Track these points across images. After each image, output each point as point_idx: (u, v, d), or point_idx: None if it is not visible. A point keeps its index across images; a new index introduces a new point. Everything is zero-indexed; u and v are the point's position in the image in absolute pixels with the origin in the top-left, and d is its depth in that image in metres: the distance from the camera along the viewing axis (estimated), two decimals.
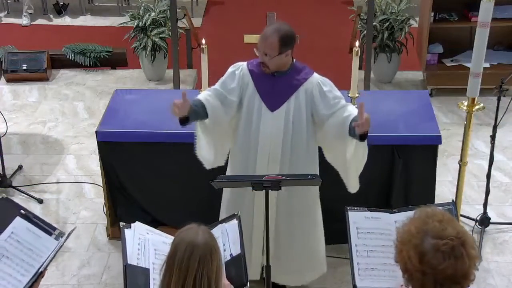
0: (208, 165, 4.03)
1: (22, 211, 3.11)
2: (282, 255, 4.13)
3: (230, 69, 3.96)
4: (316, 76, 3.90)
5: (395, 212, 3.19)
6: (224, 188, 4.16)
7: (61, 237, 3.13)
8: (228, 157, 4.11)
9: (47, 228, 3.12)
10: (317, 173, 4.01)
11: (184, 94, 3.71)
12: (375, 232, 3.16)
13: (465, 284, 2.30)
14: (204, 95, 3.89)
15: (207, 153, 3.97)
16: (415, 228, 2.31)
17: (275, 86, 3.86)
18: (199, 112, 3.81)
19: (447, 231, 2.28)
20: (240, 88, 3.90)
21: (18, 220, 3.08)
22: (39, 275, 3.00)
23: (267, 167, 3.91)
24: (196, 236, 2.59)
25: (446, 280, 2.27)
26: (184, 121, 3.78)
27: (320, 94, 3.85)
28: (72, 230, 3.24)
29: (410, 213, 3.07)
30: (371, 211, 3.19)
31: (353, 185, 3.99)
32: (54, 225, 3.23)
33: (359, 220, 3.18)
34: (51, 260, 3.04)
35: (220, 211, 4.24)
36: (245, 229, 3.95)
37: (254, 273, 4.10)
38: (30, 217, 3.11)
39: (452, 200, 3.25)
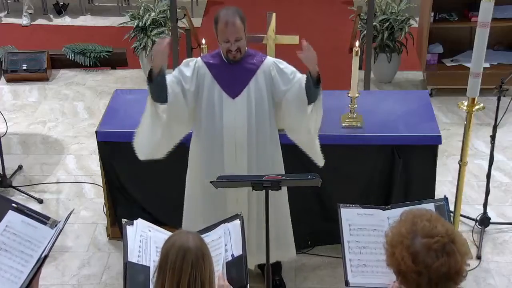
0: (142, 155, 4.00)
1: (13, 204, 3.11)
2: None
3: (184, 61, 3.97)
4: (270, 58, 3.96)
5: (388, 209, 3.20)
6: (186, 196, 4.18)
7: (56, 225, 3.13)
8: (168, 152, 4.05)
9: (41, 218, 3.12)
10: (281, 157, 4.08)
11: (167, 41, 3.73)
12: (368, 228, 3.17)
13: (459, 280, 2.32)
14: (168, 79, 3.86)
15: (147, 142, 3.93)
16: (405, 230, 2.33)
17: (232, 73, 3.89)
18: (163, 87, 3.80)
19: (436, 229, 2.30)
20: (196, 79, 3.90)
21: (11, 214, 3.08)
22: (43, 261, 3.00)
23: (235, 154, 3.92)
24: (187, 240, 2.56)
25: (441, 278, 2.28)
26: (152, 77, 3.76)
27: (278, 72, 3.90)
28: (70, 213, 3.25)
29: (402, 210, 3.09)
30: (363, 208, 3.21)
31: (319, 158, 4.00)
32: None
33: (351, 217, 3.19)
34: (53, 245, 3.04)
35: (183, 217, 4.24)
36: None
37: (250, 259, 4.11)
38: (23, 210, 3.11)
39: (444, 196, 3.26)
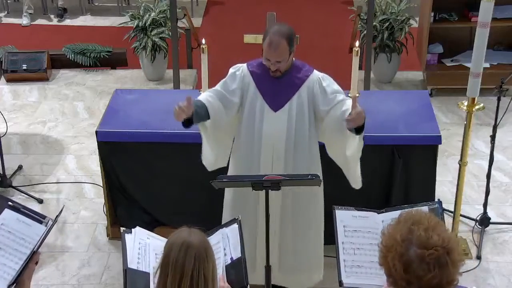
0: (209, 167, 4.04)
1: (9, 203, 3.11)
2: (287, 256, 4.13)
3: (231, 70, 3.95)
4: (316, 73, 3.92)
5: (382, 212, 3.23)
6: (226, 190, 4.16)
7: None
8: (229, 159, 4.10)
9: (37, 217, 3.11)
10: (320, 169, 4.02)
11: (189, 98, 3.67)
12: (362, 230, 3.20)
13: None
14: (205, 96, 3.88)
15: (209, 155, 3.97)
16: (400, 236, 2.29)
17: (277, 86, 3.86)
18: (201, 113, 3.80)
19: (432, 239, 2.26)
20: (241, 90, 3.90)
21: (6, 212, 3.07)
22: (31, 257, 2.98)
23: (271, 167, 3.91)
24: (189, 236, 2.59)
25: None
26: (187, 123, 3.76)
27: (320, 90, 3.87)
28: (62, 209, 3.24)
29: (397, 214, 3.10)
30: (358, 210, 3.23)
31: (355, 181, 3.99)
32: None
33: (346, 218, 3.23)
34: (43, 241, 3.03)
35: (223, 212, 4.23)
36: (250, 231, 3.96)
37: (259, 277, 4.01)
38: (19, 208, 3.10)
39: (438, 199, 3.27)
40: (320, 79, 3.88)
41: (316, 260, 4.22)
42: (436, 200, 3.29)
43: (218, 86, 3.93)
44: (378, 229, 3.14)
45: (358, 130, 3.69)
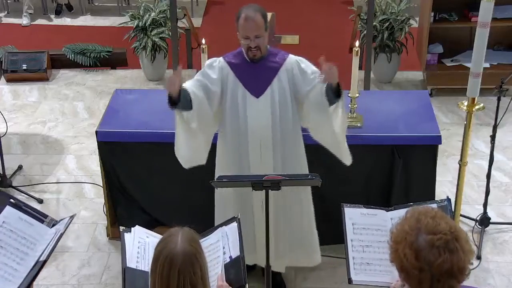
0: (186, 164, 4.00)
1: (11, 200, 3.09)
2: (281, 241, 4.17)
3: (208, 62, 3.96)
4: (292, 56, 3.94)
5: (391, 210, 3.24)
6: (217, 189, 4.17)
7: (53, 224, 3.11)
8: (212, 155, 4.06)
9: (38, 216, 3.10)
10: (303, 150, 4.06)
11: (179, 70, 3.69)
12: (371, 228, 3.21)
13: (461, 278, 2.33)
14: (189, 85, 3.84)
15: (186, 151, 3.94)
16: (408, 227, 2.34)
17: (255, 73, 3.87)
18: (187, 100, 3.78)
19: (440, 226, 2.31)
20: (221, 80, 3.89)
21: (8, 210, 3.05)
22: (42, 265, 2.98)
23: (260, 153, 3.92)
24: (175, 246, 2.53)
25: (443, 275, 2.30)
26: (174, 103, 3.73)
27: (300, 72, 3.88)
28: (72, 217, 3.22)
29: (405, 211, 3.13)
30: (367, 208, 3.24)
31: (345, 157, 3.99)
32: None
33: (354, 216, 3.24)
34: (53, 248, 3.02)
35: (215, 202, 4.23)
36: (247, 216, 3.99)
37: (260, 258, 4.12)
38: (20, 206, 3.09)
39: (447, 197, 3.28)
40: (298, 62, 3.90)
41: (309, 238, 4.27)
42: (446, 197, 3.30)
43: (198, 76, 3.91)
44: (386, 227, 3.16)
45: (337, 96, 3.72)
